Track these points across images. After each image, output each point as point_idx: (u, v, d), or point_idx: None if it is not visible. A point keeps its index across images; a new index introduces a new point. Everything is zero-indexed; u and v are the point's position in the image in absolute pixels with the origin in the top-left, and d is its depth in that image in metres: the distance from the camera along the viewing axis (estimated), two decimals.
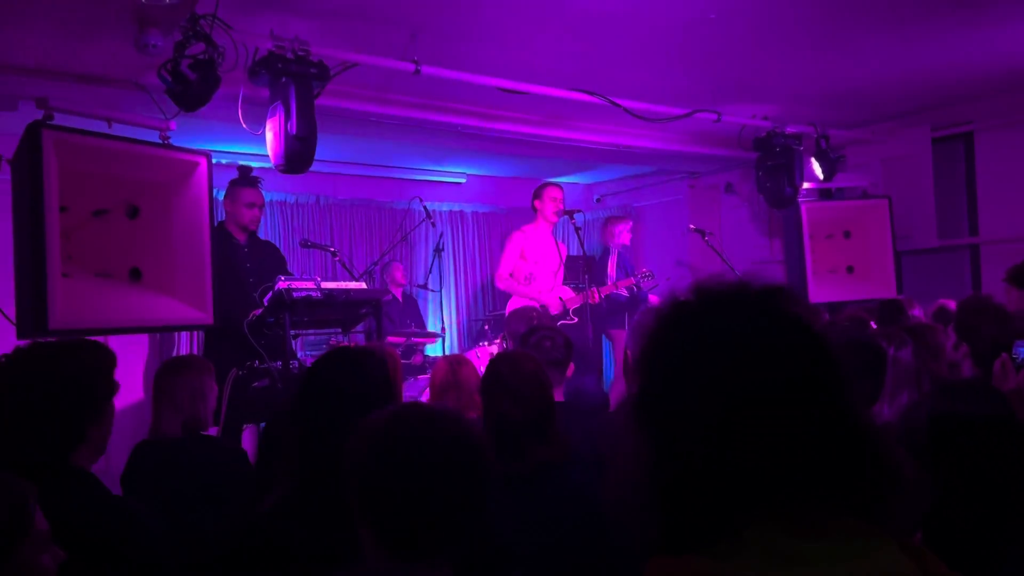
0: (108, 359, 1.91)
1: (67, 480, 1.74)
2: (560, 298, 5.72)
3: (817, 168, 5.96)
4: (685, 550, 0.85)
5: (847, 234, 6.18)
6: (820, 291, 5.95)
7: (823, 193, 6.29)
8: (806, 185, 5.97)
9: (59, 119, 3.35)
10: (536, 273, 5.84)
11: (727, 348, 0.87)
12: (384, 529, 1.29)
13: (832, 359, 0.88)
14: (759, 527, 0.83)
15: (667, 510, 0.87)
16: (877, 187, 6.31)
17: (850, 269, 6.16)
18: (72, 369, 1.82)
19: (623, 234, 6.63)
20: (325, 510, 1.58)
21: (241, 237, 4.55)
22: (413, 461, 1.30)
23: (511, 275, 5.87)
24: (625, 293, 6.04)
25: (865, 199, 6.22)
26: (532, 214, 6.01)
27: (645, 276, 6.08)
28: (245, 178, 4.59)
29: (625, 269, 6.53)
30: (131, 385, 5.98)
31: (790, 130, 5.77)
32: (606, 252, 6.64)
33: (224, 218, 4.59)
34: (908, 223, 6.07)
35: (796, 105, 5.58)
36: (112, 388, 1.90)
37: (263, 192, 4.72)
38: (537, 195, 5.92)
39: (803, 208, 6.00)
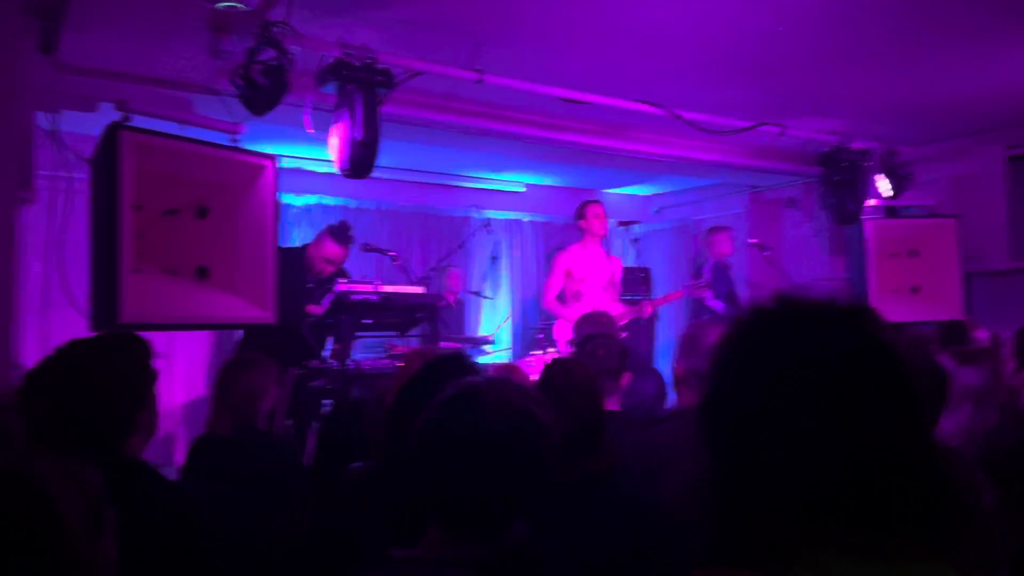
0: (147, 349, 1.97)
1: (124, 470, 1.78)
2: (605, 313, 5.68)
3: (883, 185, 5.83)
4: (733, 564, 0.84)
5: (913, 253, 6.02)
6: (883, 311, 5.79)
7: (889, 211, 6.14)
8: (871, 202, 5.85)
9: (136, 121, 3.47)
10: (583, 290, 5.80)
11: (804, 363, 0.84)
12: (441, 505, 1.32)
13: (912, 386, 0.85)
14: (813, 547, 0.80)
15: (722, 521, 0.86)
16: (945, 206, 6.13)
17: (915, 289, 5.99)
18: (121, 361, 1.88)
19: (723, 243, 6.57)
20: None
21: (311, 274, 4.62)
22: (469, 437, 1.31)
23: (558, 297, 5.85)
24: (648, 312, 5.82)
25: (933, 218, 6.05)
26: (579, 233, 5.98)
27: (700, 285, 6.03)
28: (338, 231, 4.59)
29: (723, 279, 6.48)
30: (196, 379, 6.15)
31: (856, 146, 5.65)
32: (705, 263, 6.60)
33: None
34: (978, 243, 5.89)
35: (863, 120, 5.47)
36: (154, 376, 1.96)
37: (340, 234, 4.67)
38: (580, 215, 5.86)
39: (868, 225, 5.87)
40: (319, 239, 4.60)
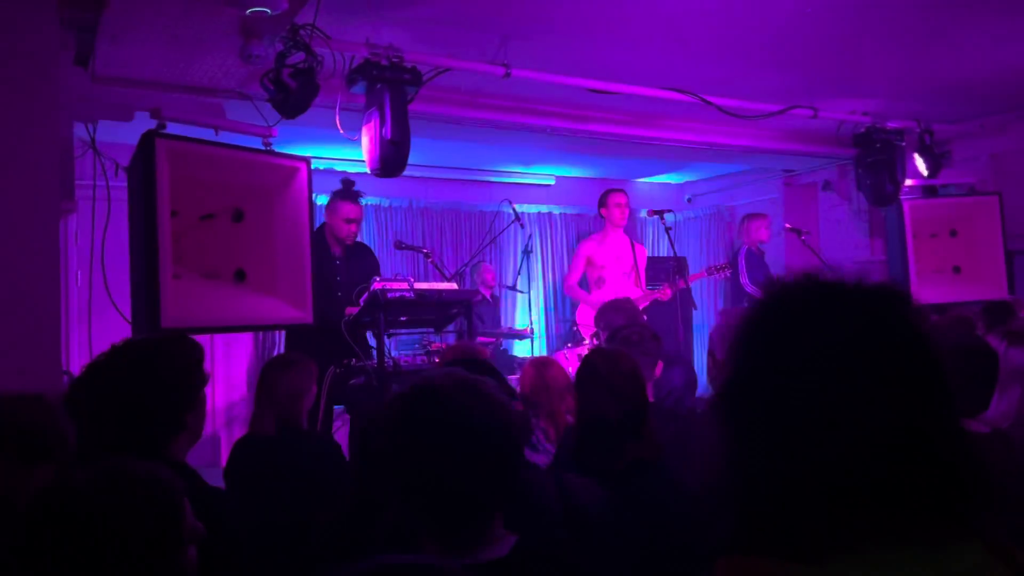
0: (199, 351, 2.00)
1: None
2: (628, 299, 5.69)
3: (920, 164, 5.73)
4: (757, 550, 0.82)
5: (953, 233, 5.91)
6: (924, 292, 5.69)
7: (927, 190, 6.03)
8: (909, 182, 5.74)
9: (170, 128, 3.53)
10: (605, 276, 5.90)
11: (832, 345, 0.83)
12: (423, 509, 1.31)
13: (940, 367, 0.83)
14: (836, 528, 0.80)
15: (743, 507, 0.85)
16: (986, 183, 6.01)
17: (956, 269, 5.88)
18: (172, 362, 1.91)
19: (760, 231, 6.53)
20: None
21: (336, 249, 4.67)
22: (433, 436, 1.29)
23: (579, 283, 5.97)
24: (668, 295, 5.68)
25: (973, 196, 5.93)
26: (601, 222, 6.07)
27: (721, 268, 5.99)
28: (347, 192, 4.68)
29: (759, 266, 6.44)
30: (237, 381, 6.25)
31: (891, 125, 5.56)
32: (739, 250, 6.56)
33: (324, 223, 4.73)
34: (1020, 221, 5.76)
35: (898, 99, 5.37)
36: (204, 378, 1.98)
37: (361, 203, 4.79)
38: (602, 203, 5.98)
39: (906, 206, 5.76)
40: (331, 206, 4.68)
